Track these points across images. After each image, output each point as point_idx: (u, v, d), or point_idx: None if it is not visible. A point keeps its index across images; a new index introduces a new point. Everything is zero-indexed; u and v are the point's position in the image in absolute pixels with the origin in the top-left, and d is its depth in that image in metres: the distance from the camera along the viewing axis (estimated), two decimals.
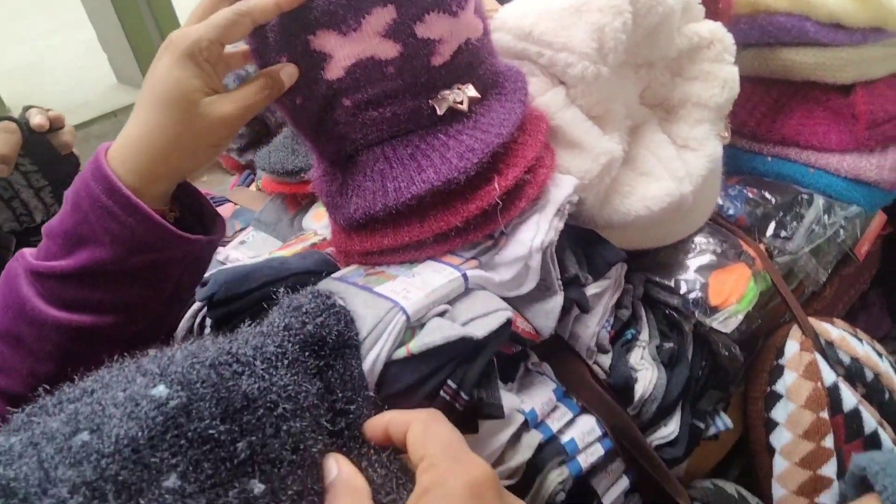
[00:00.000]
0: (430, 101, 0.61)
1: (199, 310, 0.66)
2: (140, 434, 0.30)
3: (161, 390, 0.31)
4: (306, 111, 0.61)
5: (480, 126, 0.62)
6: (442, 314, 0.58)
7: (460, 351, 0.56)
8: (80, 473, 0.28)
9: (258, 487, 0.32)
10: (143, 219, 0.53)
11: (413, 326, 0.57)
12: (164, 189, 0.57)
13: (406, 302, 0.56)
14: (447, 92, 0.61)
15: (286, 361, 0.36)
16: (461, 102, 0.61)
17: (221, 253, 1.00)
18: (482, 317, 0.58)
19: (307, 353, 0.37)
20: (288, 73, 0.57)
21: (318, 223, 0.87)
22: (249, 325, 0.39)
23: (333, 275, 0.65)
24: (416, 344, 0.55)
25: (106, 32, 3.03)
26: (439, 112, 0.61)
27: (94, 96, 3.15)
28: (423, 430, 0.36)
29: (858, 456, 0.72)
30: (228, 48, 0.57)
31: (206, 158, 0.57)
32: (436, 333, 0.55)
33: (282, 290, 0.46)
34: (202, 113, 0.54)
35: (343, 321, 0.40)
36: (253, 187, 1.28)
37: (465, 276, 0.60)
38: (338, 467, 0.35)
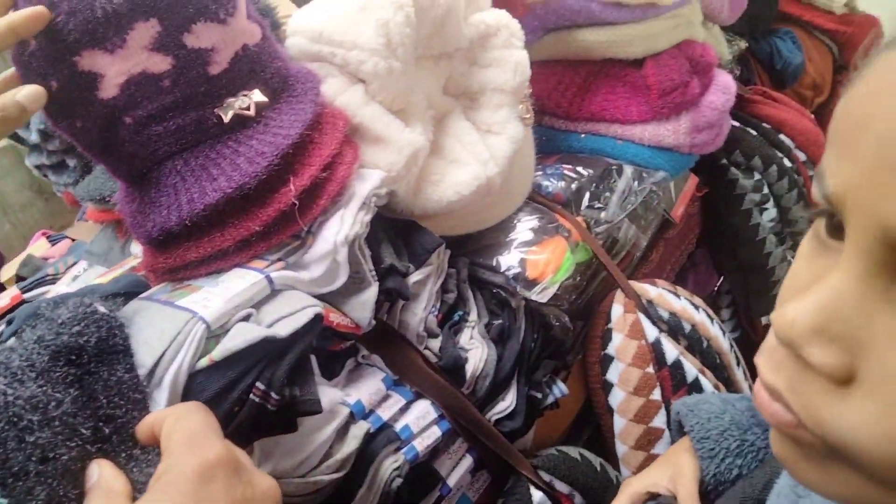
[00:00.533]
0: (215, 110, 0.61)
1: None
2: None
3: None
4: (89, 133, 0.60)
5: (270, 129, 0.62)
6: (246, 318, 0.58)
7: (266, 352, 0.57)
8: None
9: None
10: None
11: (217, 335, 0.57)
12: None
13: (205, 311, 0.56)
14: (232, 99, 0.61)
15: (34, 374, 0.36)
16: (247, 108, 0.62)
17: (52, 291, 0.96)
18: (288, 316, 0.59)
19: (60, 363, 0.37)
20: (27, 94, 0.52)
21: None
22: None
23: (141, 295, 0.64)
24: (219, 351, 0.55)
25: None
26: (225, 120, 0.61)
27: None
28: (172, 423, 0.37)
29: (675, 402, 0.78)
30: None
31: None
32: (237, 338, 0.55)
33: (44, 304, 0.45)
34: None
35: (105, 328, 0.39)
36: (90, 222, 1.23)
37: (269, 279, 0.60)
38: (98, 472, 0.36)
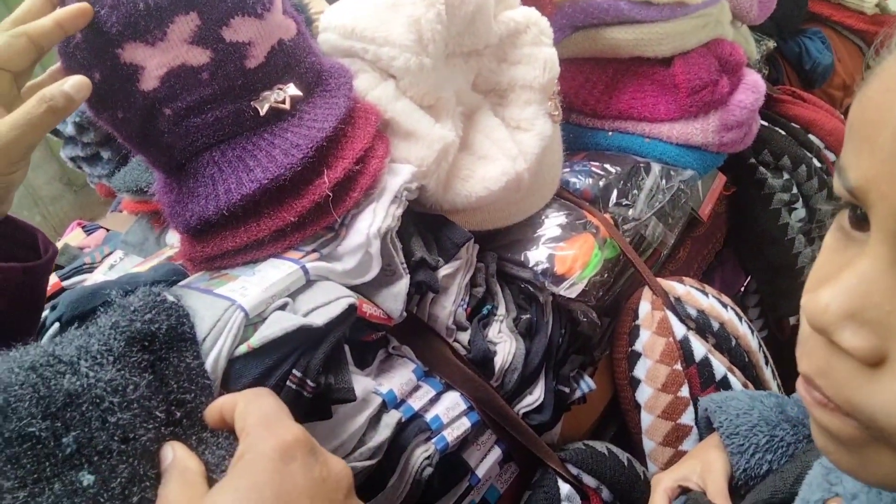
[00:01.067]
0: (251, 102, 0.62)
1: (56, 334, 0.66)
2: None
3: None
4: (129, 124, 0.62)
5: (305, 123, 0.64)
6: (283, 307, 0.59)
7: (303, 340, 0.58)
8: None
9: (87, 478, 0.33)
10: None
11: (254, 322, 0.58)
12: None
13: (243, 299, 0.57)
14: (268, 93, 0.63)
15: (111, 358, 0.37)
16: (283, 101, 0.63)
17: (90, 279, 0.99)
18: (324, 306, 0.60)
19: (135, 349, 0.38)
20: (73, 85, 0.52)
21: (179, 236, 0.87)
22: (77, 329, 0.40)
23: (179, 283, 0.65)
24: (257, 338, 0.56)
25: None
26: (262, 113, 0.62)
27: None
28: (244, 405, 0.38)
29: (702, 399, 0.78)
30: None
31: (2, 190, 0.54)
32: (275, 326, 0.56)
33: (114, 291, 0.47)
34: None
35: (174, 316, 0.41)
36: (125, 212, 1.26)
37: (304, 269, 0.62)
38: (173, 453, 0.37)
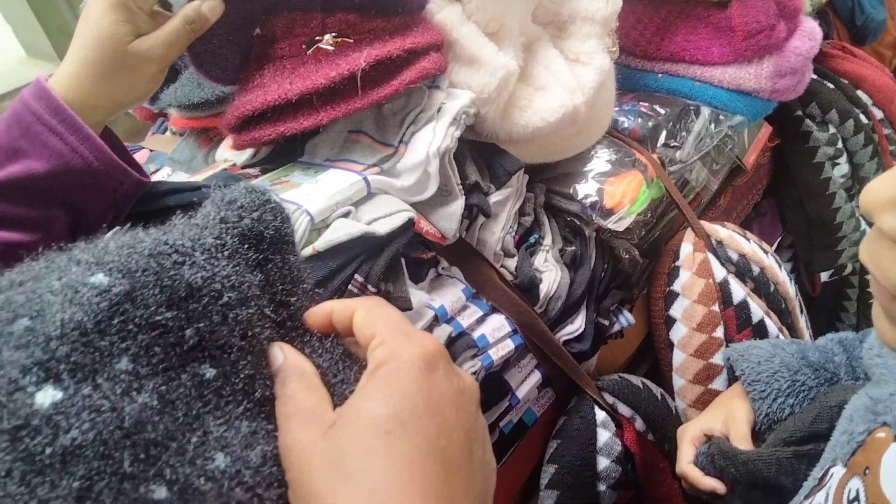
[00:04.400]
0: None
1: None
2: (86, 318, 0.29)
3: (101, 278, 0.31)
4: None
5: None
6: (346, 215, 0.61)
7: (365, 247, 0.60)
8: (29, 355, 0.28)
9: (209, 372, 0.32)
10: (86, 138, 0.56)
11: (319, 228, 0.60)
12: (101, 118, 0.60)
13: (309, 204, 0.59)
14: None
15: (226, 253, 0.35)
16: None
17: None
18: (385, 217, 0.62)
19: (246, 246, 0.37)
20: (210, 6, 0.60)
21: (230, 152, 0.88)
22: (182, 218, 0.38)
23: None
24: (322, 242, 0.58)
25: (8, 4, 2.88)
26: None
27: (3, 71, 3.00)
28: (367, 312, 0.36)
29: (725, 349, 0.79)
30: None
31: (142, 91, 0.62)
32: (339, 231, 0.58)
33: (212, 183, 0.48)
34: (133, 52, 0.58)
35: (279, 217, 0.38)
36: (168, 133, 1.27)
37: (366, 180, 0.63)
38: (283, 354, 0.36)
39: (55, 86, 0.58)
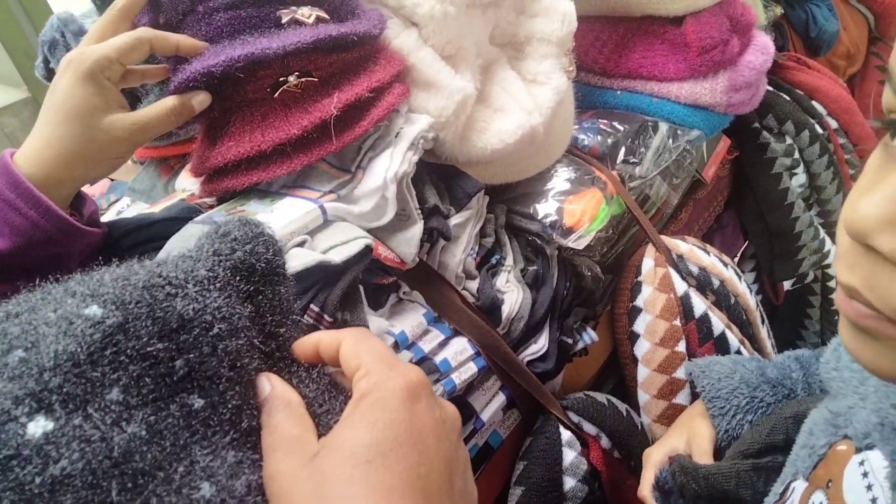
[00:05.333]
0: (278, 11, 0.63)
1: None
2: (79, 350, 0.30)
3: (95, 310, 0.32)
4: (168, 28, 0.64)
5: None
6: (301, 244, 0.60)
7: (321, 276, 0.59)
8: (22, 386, 0.29)
9: (198, 402, 0.33)
10: (46, 211, 0.56)
11: None
12: (67, 193, 0.60)
13: None
14: (296, 8, 0.64)
15: (218, 285, 0.36)
16: (308, 17, 0.64)
17: None
18: (342, 245, 0.61)
19: (238, 279, 0.38)
20: (200, 100, 0.61)
21: (188, 180, 0.87)
22: (178, 254, 0.39)
23: (195, 218, 0.66)
24: None
25: None
26: (282, 21, 0.63)
27: None
28: (354, 343, 0.37)
29: (687, 364, 0.80)
30: None
31: (109, 168, 0.61)
32: (293, 261, 0.58)
33: (198, 220, 0.47)
34: (104, 129, 0.58)
35: (272, 249, 0.39)
36: (129, 162, 1.25)
37: (322, 208, 0.63)
38: (271, 384, 0.37)
39: (20, 161, 0.57)
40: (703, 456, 0.71)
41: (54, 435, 0.28)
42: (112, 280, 0.33)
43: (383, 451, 0.32)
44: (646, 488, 0.72)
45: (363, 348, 0.37)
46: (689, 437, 0.74)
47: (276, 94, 0.63)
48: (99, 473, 0.29)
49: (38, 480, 0.27)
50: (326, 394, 0.38)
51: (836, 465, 0.50)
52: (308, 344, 0.39)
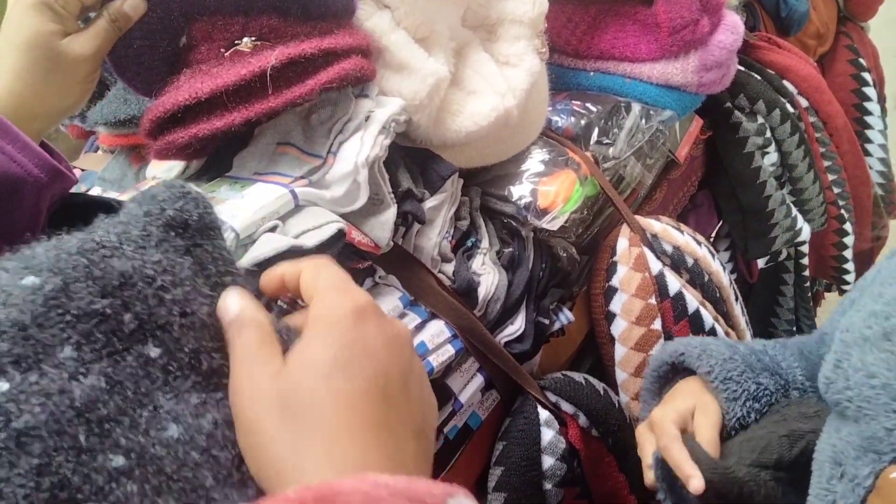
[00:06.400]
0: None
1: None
2: (22, 316, 0.32)
3: (31, 279, 0.33)
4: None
5: None
6: (273, 229, 0.60)
7: None
8: None
9: (154, 351, 0.35)
10: (24, 146, 0.54)
11: (245, 244, 0.59)
12: (40, 127, 0.60)
13: (234, 220, 0.58)
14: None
15: (153, 242, 0.37)
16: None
17: None
18: (314, 229, 0.61)
19: (173, 234, 0.38)
20: (132, 4, 0.61)
21: (159, 168, 0.86)
22: (106, 218, 0.39)
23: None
24: (247, 258, 0.57)
25: None
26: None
27: None
28: (313, 271, 0.39)
29: (673, 343, 0.77)
30: None
31: (78, 94, 0.61)
32: (265, 246, 0.57)
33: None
34: (63, 52, 0.58)
35: (202, 205, 0.40)
36: (100, 152, 1.24)
37: (293, 193, 0.62)
38: (242, 305, 0.38)
39: None
40: (708, 443, 0.64)
41: (11, 393, 0.30)
42: (45, 251, 0.35)
43: (341, 367, 0.34)
44: (648, 454, 0.66)
45: (320, 276, 0.39)
46: (698, 409, 0.68)
47: (227, 53, 0.62)
48: (64, 422, 0.30)
49: (2, 436, 0.29)
50: (282, 333, 0.40)
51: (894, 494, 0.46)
52: (273, 276, 0.42)
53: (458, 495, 0.30)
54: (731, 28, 0.99)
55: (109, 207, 0.52)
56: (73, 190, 0.65)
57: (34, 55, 0.57)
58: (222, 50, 0.64)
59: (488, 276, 0.79)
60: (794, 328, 1.43)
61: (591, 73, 1.02)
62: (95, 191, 1.01)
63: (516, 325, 0.81)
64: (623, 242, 0.92)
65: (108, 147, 1.00)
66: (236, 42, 0.64)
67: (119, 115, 0.89)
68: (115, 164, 1.01)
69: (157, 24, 0.65)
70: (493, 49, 0.83)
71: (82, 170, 1.22)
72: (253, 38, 0.64)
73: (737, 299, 1.00)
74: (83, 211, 0.59)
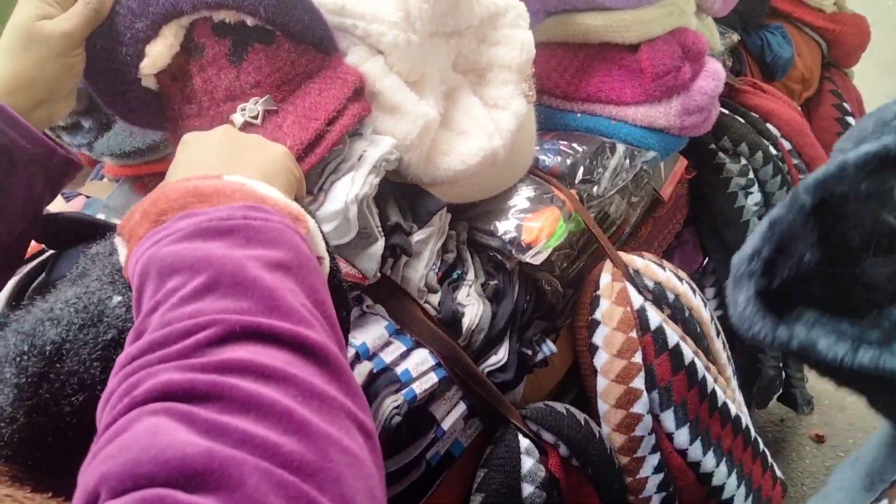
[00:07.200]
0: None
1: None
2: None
3: None
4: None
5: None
6: None
7: None
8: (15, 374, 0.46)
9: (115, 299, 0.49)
10: (7, 117, 0.58)
11: None
12: (20, 102, 0.62)
13: None
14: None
15: None
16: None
17: None
18: None
19: None
20: None
21: None
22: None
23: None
24: None
25: None
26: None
27: None
28: None
29: None
30: None
31: (58, 70, 0.65)
32: None
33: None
34: (38, 29, 0.62)
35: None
36: (105, 180, 1.28)
37: None
38: None
39: None
40: None
41: None
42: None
43: (233, 150, 0.54)
44: None
45: None
46: None
47: (239, 127, 0.67)
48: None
49: None
50: None
51: None
52: None
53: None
54: (713, 75, 1.04)
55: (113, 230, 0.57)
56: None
57: (13, 33, 0.62)
58: (230, 116, 0.69)
59: (473, 307, 0.82)
60: (781, 364, 1.45)
61: (579, 115, 1.06)
62: (99, 217, 1.05)
63: (500, 356, 0.84)
64: (606, 277, 0.96)
65: (112, 176, 1.04)
66: (242, 108, 0.68)
67: (125, 146, 0.93)
68: (120, 192, 1.05)
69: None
70: (482, 92, 0.88)
71: (87, 196, 1.26)
72: (255, 101, 0.68)
73: (718, 334, 1.03)
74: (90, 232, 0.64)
